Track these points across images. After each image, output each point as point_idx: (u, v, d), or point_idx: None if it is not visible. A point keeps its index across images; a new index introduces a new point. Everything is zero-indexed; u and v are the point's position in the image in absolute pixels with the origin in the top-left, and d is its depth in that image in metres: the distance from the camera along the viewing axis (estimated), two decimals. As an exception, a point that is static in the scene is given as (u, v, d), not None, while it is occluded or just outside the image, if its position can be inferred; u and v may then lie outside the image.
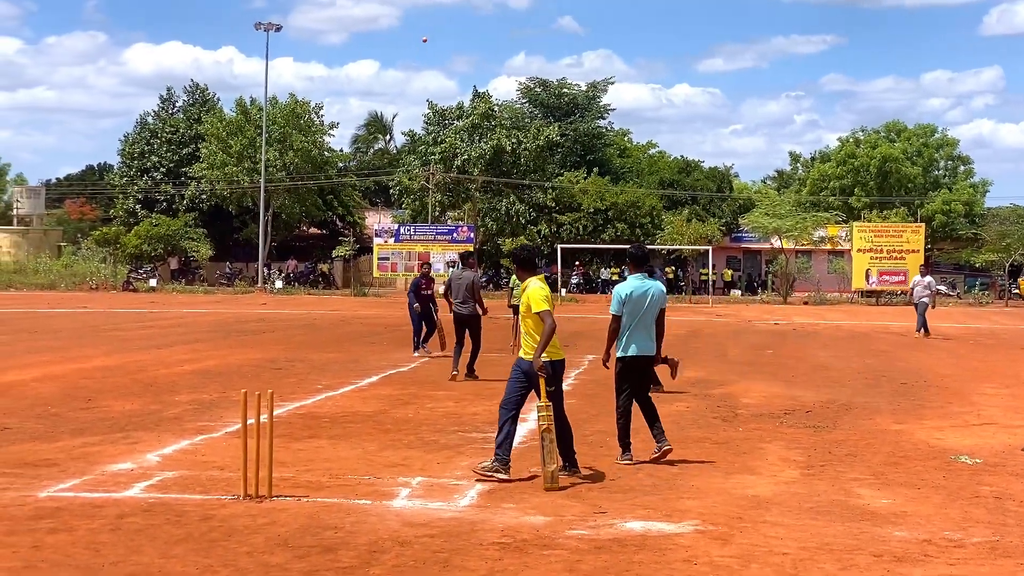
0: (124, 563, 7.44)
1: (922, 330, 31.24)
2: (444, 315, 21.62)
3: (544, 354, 10.49)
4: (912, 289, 32.61)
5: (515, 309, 25.52)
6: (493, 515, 8.96)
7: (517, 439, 12.75)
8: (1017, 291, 62.36)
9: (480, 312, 19.66)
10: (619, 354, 11.72)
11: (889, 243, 60.32)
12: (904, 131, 79.17)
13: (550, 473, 10.19)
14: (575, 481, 10.46)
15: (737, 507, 9.39)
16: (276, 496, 9.40)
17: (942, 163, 79.65)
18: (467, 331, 19.48)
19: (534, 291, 10.71)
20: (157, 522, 8.56)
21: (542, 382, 10.48)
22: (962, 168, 79.43)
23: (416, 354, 22.96)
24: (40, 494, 9.52)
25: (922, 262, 40.08)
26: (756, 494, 9.96)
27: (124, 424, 13.44)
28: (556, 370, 10.75)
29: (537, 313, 10.57)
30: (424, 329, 23.35)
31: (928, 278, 32.22)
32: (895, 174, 73.31)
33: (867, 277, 60.50)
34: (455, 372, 18.88)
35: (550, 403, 10.50)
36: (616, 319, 11.68)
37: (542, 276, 11.05)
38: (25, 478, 10.16)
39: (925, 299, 31.53)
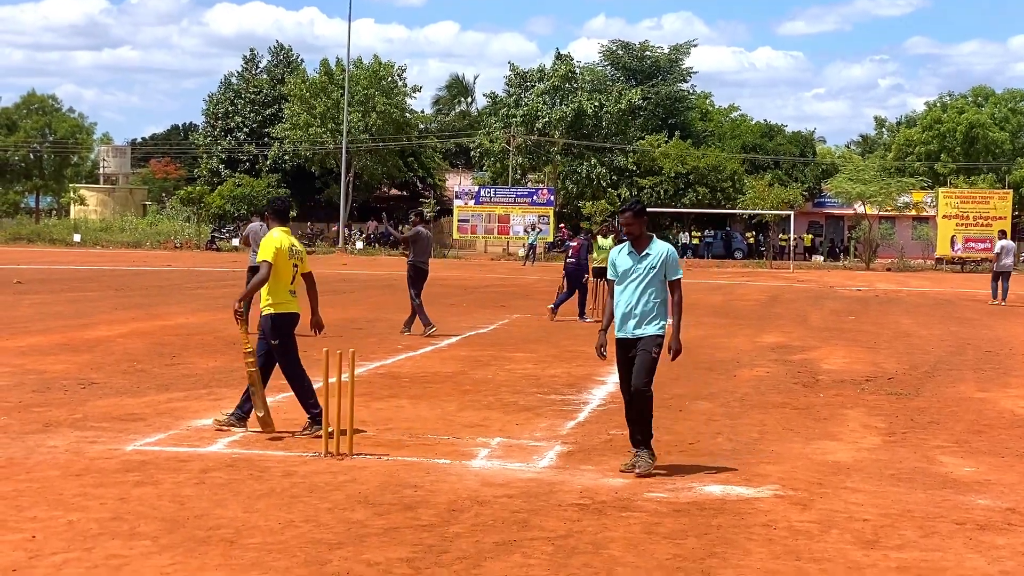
0: (208, 516, 7.55)
1: (998, 298, 30.97)
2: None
3: (271, 307, 10.36)
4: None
5: (594, 271, 25.56)
6: (572, 476, 8.97)
7: (596, 402, 12.78)
8: None
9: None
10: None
11: (975, 209, 59.47)
12: (992, 96, 77.82)
13: (259, 418, 10.23)
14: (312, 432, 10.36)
15: (817, 473, 9.33)
16: (357, 454, 9.48)
17: (1031, 129, 78.22)
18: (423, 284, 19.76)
19: (268, 239, 10.46)
20: (240, 477, 8.68)
21: (241, 328, 10.40)
22: (1053, 134, 77.98)
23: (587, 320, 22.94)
24: (127, 447, 9.68)
25: (1002, 228, 39.64)
26: (837, 460, 9.89)
27: (208, 380, 13.63)
28: (285, 322, 10.47)
29: (260, 261, 10.39)
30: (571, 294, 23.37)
31: (1001, 243, 31.77)
32: (982, 140, 72.09)
33: (952, 244, 59.73)
34: (432, 328, 19.26)
35: (253, 351, 10.33)
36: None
37: (287, 229, 10.72)
38: (112, 432, 10.34)
39: (1006, 265, 31.30)
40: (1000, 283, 31.27)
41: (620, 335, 9.43)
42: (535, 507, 8.00)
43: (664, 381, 14.45)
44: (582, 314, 23.11)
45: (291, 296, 10.53)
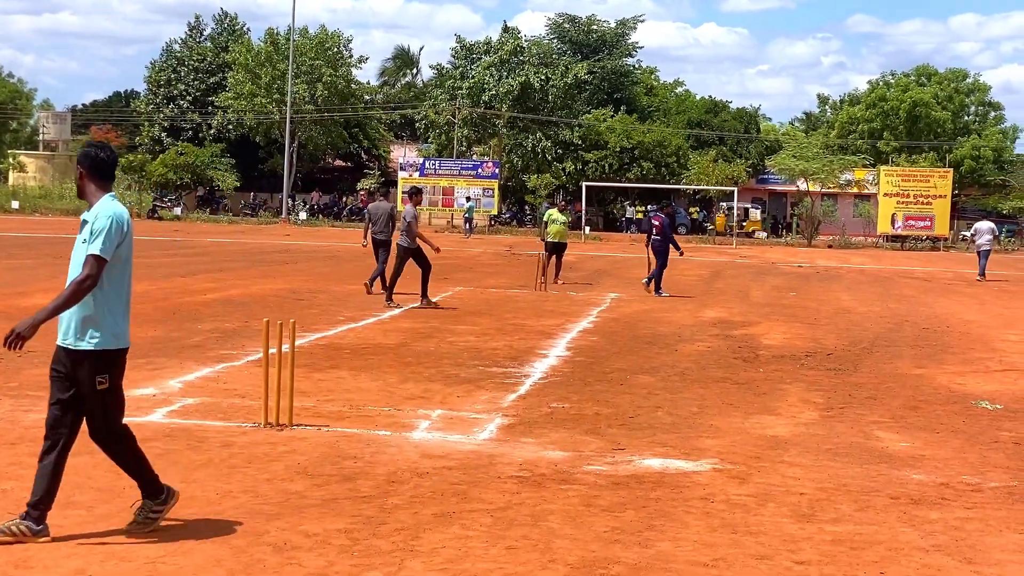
0: (145, 487, 7.49)
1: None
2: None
3: None
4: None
5: (547, 245, 25.64)
6: (512, 449, 8.98)
7: (538, 375, 12.80)
8: None
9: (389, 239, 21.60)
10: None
11: (916, 188, 59.95)
12: (934, 75, 78.40)
13: None
14: None
15: (756, 447, 9.40)
16: (296, 425, 9.44)
17: (972, 108, 78.88)
18: (378, 252, 21.63)
19: None
20: (178, 447, 8.62)
21: None
22: (992, 114, 78.70)
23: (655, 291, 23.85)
24: (63, 417, 9.57)
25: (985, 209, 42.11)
26: (775, 434, 9.96)
27: (147, 350, 13.50)
28: None
29: None
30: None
31: (976, 224, 34.86)
32: (925, 119, 72.66)
33: (893, 222, 60.23)
34: (371, 287, 21.58)
35: None
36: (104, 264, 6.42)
37: None
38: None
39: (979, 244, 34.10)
40: (979, 261, 33.70)
41: (58, 340, 6.59)
42: (475, 479, 8.00)
43: (606, 355, 14.52)
44: (657, 288, 23.83)
45: None
